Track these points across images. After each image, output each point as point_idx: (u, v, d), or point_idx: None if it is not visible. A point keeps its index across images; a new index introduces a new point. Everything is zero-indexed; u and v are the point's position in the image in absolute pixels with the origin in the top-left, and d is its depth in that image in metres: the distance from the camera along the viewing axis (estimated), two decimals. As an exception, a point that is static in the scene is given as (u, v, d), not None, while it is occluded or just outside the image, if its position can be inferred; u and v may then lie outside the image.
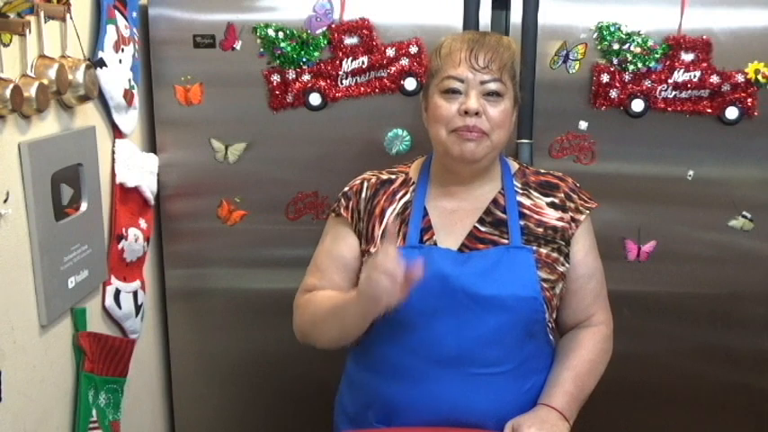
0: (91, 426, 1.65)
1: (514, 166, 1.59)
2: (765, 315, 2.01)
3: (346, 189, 1.61)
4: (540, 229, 1.50)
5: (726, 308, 2.01)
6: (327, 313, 1.48)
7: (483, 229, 1.50)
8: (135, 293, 1.87)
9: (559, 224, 1.51)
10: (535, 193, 1.54)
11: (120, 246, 1.80)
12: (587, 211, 1.55)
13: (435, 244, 1.50)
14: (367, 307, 1.35)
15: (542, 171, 1.59)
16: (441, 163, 1.54)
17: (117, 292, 1.80)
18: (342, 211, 1.58)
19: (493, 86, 1.44)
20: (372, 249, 1.52)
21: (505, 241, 1.48)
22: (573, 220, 1.53)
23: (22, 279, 1.44)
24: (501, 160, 1.57)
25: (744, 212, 1.95)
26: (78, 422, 1.63)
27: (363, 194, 1.57)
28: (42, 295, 1.48)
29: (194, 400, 2.15)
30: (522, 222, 1.50)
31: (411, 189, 1.56)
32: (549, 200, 1.53)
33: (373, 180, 1.59)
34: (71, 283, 1.58)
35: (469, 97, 1.43)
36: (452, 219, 1.52)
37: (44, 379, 1.52)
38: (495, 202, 1.52)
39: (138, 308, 1.88)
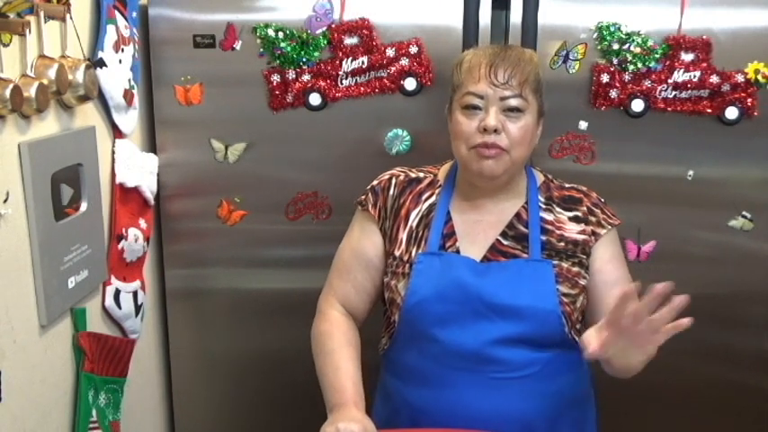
0: (91, 426, 1.65)
1: (540, 178, 1.58)
2: (765, 315, 2.01)
3: (375, 183, 1.60)
4: (562, 244, 1.49)
5: (726, 308, 2.00)
6: (320, 370, 1.51)
7: (505, 242, 1.50)
8: (135, 293, 1.87)
9: (580, 237, 1.50)
10: (558, 209, 1.53)
11: (120, 246, 1.80)
12: (609, 227, 1.53)
13: (458, 251, 1.50)
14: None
15: (567, 185, 1.58)
16: (464, 176, 1.54)
17: (117, 292, 1.80)
18: (369, 207, 1.58)
19: (513, 102, 1.43)
20: (396, 252, 1.52)
21: (526, 255, 1.48)
22: (593, 233, 1.51)
23: (22, 279, 1.44)
24: (528, 171, 1.56)
25: (744, 212, 1.95)
26: (78, 422, 1.63)
27: (391, 192, 1.57)
28: (42, 295, 1.48)
29: (194, 400, 2.15)
30: (543, 237, 1.49)
31: (437, 192, 1.56)
32: (571, 214, 1.53)
33: (402, 177, 1.59)
34: (71, 283, 1.58)
35: (489, 114, 1.42)
36: (476, 229, 1.52)
37: (44, 379, 1.52)
38: (517, 216, 1.52)
39: (137, 308, 1.88)
